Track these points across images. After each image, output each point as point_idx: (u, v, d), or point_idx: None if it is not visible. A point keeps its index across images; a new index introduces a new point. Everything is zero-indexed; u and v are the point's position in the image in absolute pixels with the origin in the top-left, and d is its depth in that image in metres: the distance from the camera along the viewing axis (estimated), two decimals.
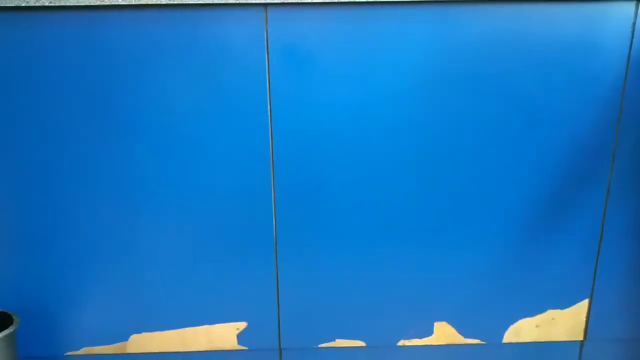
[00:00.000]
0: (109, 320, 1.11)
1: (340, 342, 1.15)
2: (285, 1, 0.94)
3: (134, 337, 1.12)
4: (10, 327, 0.99)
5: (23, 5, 0.92)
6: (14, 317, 1.02)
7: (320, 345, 1.15)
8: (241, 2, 0.94)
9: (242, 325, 1.13)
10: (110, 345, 1.13)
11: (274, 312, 1.12)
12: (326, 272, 1.10)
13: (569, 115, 1.03)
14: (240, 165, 1.03)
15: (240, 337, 1.14)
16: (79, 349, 1.13)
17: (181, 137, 1.01)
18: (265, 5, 0.95)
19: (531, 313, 1.15)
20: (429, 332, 1.15)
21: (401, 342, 1.16)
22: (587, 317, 1.16)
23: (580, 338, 1.17)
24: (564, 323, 1.16)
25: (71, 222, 1.05)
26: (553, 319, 1.15)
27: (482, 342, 1.16)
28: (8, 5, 0.92)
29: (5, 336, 0.97)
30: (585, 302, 1.14)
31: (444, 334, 1.15)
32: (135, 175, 1.03)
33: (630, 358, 1.21)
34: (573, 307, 1.15)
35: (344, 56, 0.98)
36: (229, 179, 1.04)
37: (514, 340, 1.17)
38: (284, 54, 0.98)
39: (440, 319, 1.15)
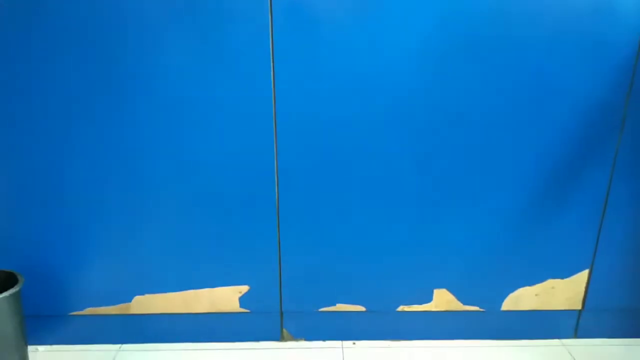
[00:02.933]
0: (112, 281, 1.12)
1: (340, 307, 1.16)
2: None
3: (137, 298, 1.14)
4: (16, 286, 1.00)
5: None
6: (19, 277, 1.03)
7: (321, 309, 1.17)
8: None
9: (244, 288, 1.14)
10: (114, 306, 1.14)
11: (276, 276, 1.13)
12: (327, 237, 1.10)
13: (578, 85, 1.00)
14: (242, 127, 1.02)
15: (242, 300, 1.15)
16: (83, 309, 1.14)
17: (182, 98, 0.99)
18: None
19: (531, 282, 1.16)
20: (428, 298, 1.17)
21: (401, 308, 1.17)
22: (586, 287, 1.17)
23: (579, 307, 1.19)
24: (563, 292, 1.17)
25: (75, 183, 1.05)
26: (553, 288, 1.16)
27: (481, 309, 1.18)
28: None
29: (11, 295, 0.98)
30: (585, 272, 1.15)
31: (443, 300, 1.17)
32: (137, 136, 1.02)
33: (626, 328, 1.22)
34: (573, 277, 1.16)
35: (350, 17, 0.95)
36: (231, 141, 1.02)
37: (512, 308, 1.18)
38: (287, 14, 0.94)
39: (440, 286, 1.16)
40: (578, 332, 1.22)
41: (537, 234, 1.12)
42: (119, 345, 1.18)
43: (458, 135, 1.03)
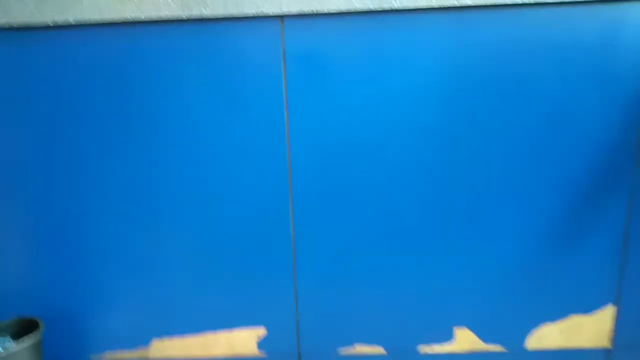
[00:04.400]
0: (130, 325, 1.13)
1: (359, 348, 1.14)
2: (301, 12, 0.97)
3: (155, 342, 1.14)
4: (36, 331, 1.02)
5: (60, 23, 0.98)
6: (39, 323, 1.05)
7: (339, 350, 1.14)
8: (258, 14, 0.97)
9: (262, 331, 1.13)
10: (133, 350, 1.14)
11: (293, 317, 1.13)
12: (344, 277, 1.11)
13: (590, 117, 1.02)
14: (257, 172, 1.06)
15: (260, 343, 1.14)
16: (102, 352, 1.15)
17: (201, 145, 1.05)
18: (282, 16, 0.98)
19: (554, 318, 1.13)
20: (448, 337, 1.14)
21: (420, 347, 1.14)
22: (614, 323, 1.13)
23: (607, 344, 1.14)
24: (589, 329, 1.13)
25: (93, 229, 1.09)
26: (578, 324, 1.13)
27: (504, 349, 1.14)
28: (38, 23, 0.98)
29: (31, 341, 0.99)
30: (611, 307, 1.12)
31: (464, 339, 1.14)
32: (156, 182, 1.06)
33: None
34: (598, 313, 1.12)
35: (360, 63, 1.01)
36: (247, 186, 1.06)
37: (537, 346, 1.14)
38: (300, 63, 1.01)
39: (460, 324, 1.13)
40: None
41: (557, 267, 1.10)
42: None
43: (477, 169, 1.05)
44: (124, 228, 1.09)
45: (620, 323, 1.13)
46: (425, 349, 1.15)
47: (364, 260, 1.10)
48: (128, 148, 1.05)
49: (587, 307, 1.12)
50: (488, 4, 0.97)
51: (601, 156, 1.04)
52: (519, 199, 1.06)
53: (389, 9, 0.97)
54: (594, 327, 1.13)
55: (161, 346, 1.14)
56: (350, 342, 1.14)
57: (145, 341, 1.14)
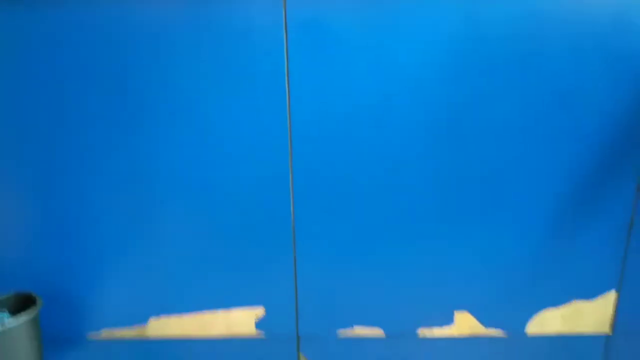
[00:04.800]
0: (128, 303, 1.12)
1: (358, 330, 1.14)
2: None
3: (152, 320, 1.13)
4: (34, 307, 1.01)
5: None
6: (37, 298, 1.04)
7: (338, 332, 1.14)
8: None
9: (260, 310, 1.13)
10: (130, 328, 1.14)
11: (292, 298, 1.12)
12: (344, 258, 1.09)
13: (601, 98, 0.99)
14: (258, 148, 1.03)
15: (258, 323, 1.13)
16: (99, 330, 1.14)
17: (199, 118, 1.02)
18: None
19: (555, 303, 1.12)
20: (449, 321, 1.13)
21: (420, 331, 1.14)
22: (615, 309, 1.12)
23: (607, 331, 1.14)
24: (591, 315, 1.12)
25: (92, 206, 1.07)
26: (579, 310, 1.12)
27: (504, 334, 1.14)
28: None
29: (29, 316, 0.98)
30: (613, 293, 1.11)
31: (464, 323, 1.13)
32: (155, 160, 1.04)
33: None
34: (600, 299, 1.11)
35: (365, 33, 0.97)
36: (247, 163, 1.04)
37: (537, 331, 1.13)
38: (302, 31, 0.97)
39: (460, 308, 1.12)
40: (609, 357, 1.16)
41: (560, 252, 1.08)
42: None
43: (480, 151, 1.03)
44: (124, 206, 1.07)
45: (621, 309, 1.12)
46: (424, 332, 1.14)
47: (365, 242, 1.08)
48: (127, 123, 1.02)
49: (589, 293, 1.11)
50: None
51: (610, 139, 1.02)
52: (524, 182, 1.04)
53: None
54: (595, 313, 1.12)
55: (158, 325, 1.13)
56: (349, 324, 1.14)
57: (142, 319, 1.13)
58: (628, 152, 1.02)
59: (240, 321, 1.13)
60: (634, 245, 1.08)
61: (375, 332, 1.14)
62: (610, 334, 1.14)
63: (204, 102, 1.01)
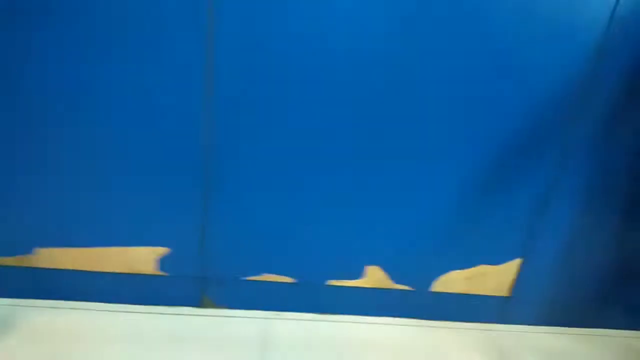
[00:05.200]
0: (11, 230, 1.00)
1: (267, 277, 1.10)
2: None
3: (39, 251, 1.02)
4: None
5: None
6: None
7: (247, 278, 1.10)
8: None
9: (163, 250, 1.05)
10: (12, 257, 1.02)
11: (199, 239, 1.05)
12: (257, 203, 1.02)
13: (539, 69, 0.94)
14: (171, 76, 0.89)
15: (161, 262, 1.06)
16: None
17: (111, 36, 0.85)
18: None
19: (463, 266, 1.14)
20: (359, 275, 1.13)
21: (330, 282, 1.13)
22: (516, 275, 1.17)
23: (505, 294, 1.19)
24: (494, 279, 1.16)
25: None
26: (483, 273, 1.15)
27: (411, 288, 1.16)
28: None
29: None
30: (517, 261, 1.14)
31: (374, 277, 1.13)
32: (56, 78, 0.87)
33: (552, 316, 1.25)
34: (505, 265, 1.15)
35: None
36: (159, 85, 0.90)
37: (442, 290, 1.17)
38: None
39: (372, 263, 1.12)
40: (504, 317, 1.23)
41: (473, 220, 1.09)
42: (17, 300, 1.07)
43: (409, 112, 0.96)
44: (10, 127, 0.90)
45: (522, 275, 1.17)
46: (334, 282, 1.13)
47: (281, 189, 1.01)
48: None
49: (496, 259, 1.14)
50: None
51: (540, 114, 0.99)
52: (445, 146, 1.00)
53: None
54: (498, 277, 1.16)
55: (45, 255, 1.03)
56: (259, 271, 1.10)
57: (26, 249, 1.02)
58: (553, 128, 1.00)
59: (140, 259, 1.05)
60: (544, 218, 1.10)
61: (285, 280, 1.11)
62: (508, 296, 1.19)
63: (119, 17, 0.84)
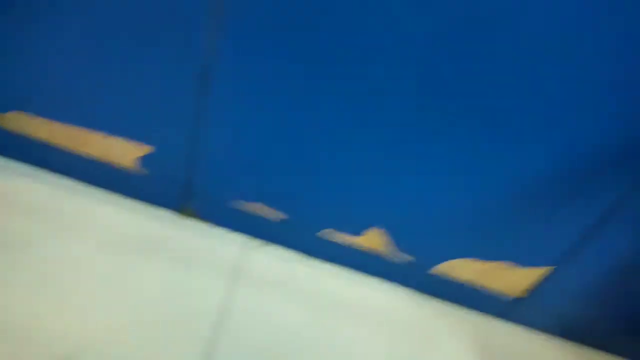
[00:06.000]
0: None
1: (260, 207, 0.97)
2: None
3: (13, 114, 0.90)
4: None
5: None
6: None
7: (235, 201, 0.97)
8: None
9: (147, 148, 0.91)
10: None
11: (192, 147, 0.89)
12: (269, 121, 0.84)
13: None
14: None
15: (144, 160, 0.93)
16: None
17: None
18: None
19: (482, 257, 0.97)
20: (359, 231, 0.98)
21: (328, 232, 0.99)
22: (540, 281, 0.99)
23: (519, 295, 1.03)
24: (513, 278, 1.00)
25: None
26: (503, 269, 0.98)
27: (414, 259, 1.01)
28: None
29: None
30: (549, 268, 0.96)
31: (375, 239, 0.98)
32: None
33: (559, 330, 1.10)
34: (532, 269, 0.97)
35: None
36: None
37: (447, 272, 1.01)
38: None
39: (379, 225, 0.96)
40: (509, 315, 1.09)
41: (519, 216, 0.89)
42: None
43: (497, 72, 0.70)
44: None
45: (547, 283, 0.99)
46: (329, 233, 0.99)
47: (296, 110, 0.81)
48: None
49: (525, 261, 0.96)
50: None
51: (627, 129, 0.71)
52: (519, 135, 0.75)
53: None
54: (518, 278, 0.99)
55: (21, 120, 0.91)
56: (254, 198, 0.96)
57: (2, 109, 0.90)
58: (629, 154, 0.73)
59: (121, 151, 0.92)
60: (594, 236, 0.88)
61: (279, 215, 0.98)
62: (521, 297, 1.04)
63: None
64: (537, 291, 1.01)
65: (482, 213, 0.89)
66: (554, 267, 0.96)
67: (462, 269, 1.00)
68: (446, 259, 0.99)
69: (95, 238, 0.90)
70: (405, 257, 1.00)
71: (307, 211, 0.96)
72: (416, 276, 1.04)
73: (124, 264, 0.87)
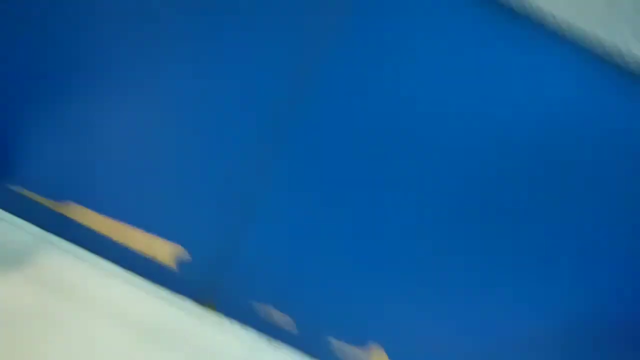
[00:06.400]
0: (52, 174, 0.99)
1: (269, 310, 1.06)
2: None
3: (72, 204, 1.02)
4: None
5: None
6: None
7: (256, 303, 1.06)
8: None
9: (183, 251, 1.02)
10: (46, 199, 1.03)
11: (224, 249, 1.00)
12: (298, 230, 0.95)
13: None
14: None
15: (177, 259, 1.04)
16: (17, 185, 1.03)
17: None
18: None
19: None
20: (361, 344, 1.06)
21: (332, 340, 1.07)
22: None
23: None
24: None
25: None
26: None
27: None
28: None
29: None
30: None
31: (376, 357, 1.06)
32: None
33: None
34: None
35: None
36: None
37: None
38: None
39: (379, 342, 1.04)
40: None
41: None
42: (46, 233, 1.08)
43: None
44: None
45: None
46: (336, 341, 1.07)
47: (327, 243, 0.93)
48: None
49: None
50: None
51: None
52: (554, 275, 0.85)
53: None
54: None
55: (79, 212, 1.02)
56: (264, 300, 1.05)
57: (61, 198, 1.02)
58: None
59: (161, 250, 1.03)
60: None
61: (287, 322, 1.07)
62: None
63: None
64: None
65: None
66: None
67: None
68: None
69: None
70: None
71: (318, 319, 1.05)
72: None
73: (138, 350, 0.95)
